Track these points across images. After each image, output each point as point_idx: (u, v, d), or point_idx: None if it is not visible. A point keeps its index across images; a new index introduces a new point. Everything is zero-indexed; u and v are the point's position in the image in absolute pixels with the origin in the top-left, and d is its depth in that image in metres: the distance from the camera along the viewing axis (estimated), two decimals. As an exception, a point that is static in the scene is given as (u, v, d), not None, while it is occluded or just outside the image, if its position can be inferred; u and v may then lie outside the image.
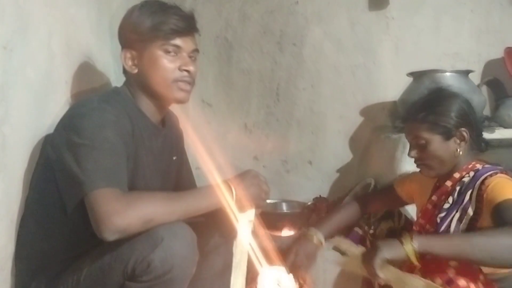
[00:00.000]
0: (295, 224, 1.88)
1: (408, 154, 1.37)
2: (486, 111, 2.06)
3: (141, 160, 1.17)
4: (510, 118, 1.97)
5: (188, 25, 1.17)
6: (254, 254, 1.26)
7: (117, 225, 0.94)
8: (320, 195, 2.16)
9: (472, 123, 1.33)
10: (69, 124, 1.07)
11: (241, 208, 1.16)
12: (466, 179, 1.29)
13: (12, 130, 1.08)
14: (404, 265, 1.17)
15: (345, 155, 2.27)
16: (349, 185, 2.12)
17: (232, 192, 1.13)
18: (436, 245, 1.12)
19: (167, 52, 1.15)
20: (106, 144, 1.03)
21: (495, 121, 2.00)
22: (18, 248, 1.12)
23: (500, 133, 1.89)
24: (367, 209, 1.61)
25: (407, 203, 1.58)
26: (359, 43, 2.27)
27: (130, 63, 1.18)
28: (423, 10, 2.22)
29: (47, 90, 1.23)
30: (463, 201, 1.26)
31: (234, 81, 2.37)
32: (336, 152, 2.28)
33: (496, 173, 1.25)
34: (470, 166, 1.31)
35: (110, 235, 0.95)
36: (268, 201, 1.33)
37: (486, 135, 1.80)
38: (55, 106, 1.25)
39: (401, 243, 1.12)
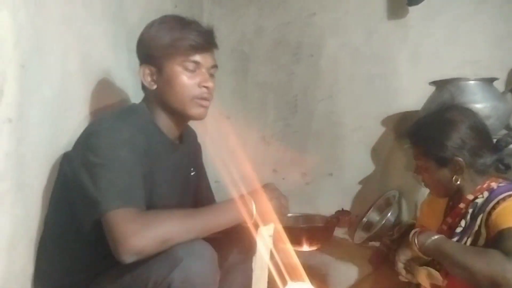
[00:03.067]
0: (317, 239, 1.83)
1: (414, 172, 1.33)
2: (512, 120, 2.00)
3: (158, 177, 1.15)
4: (537, 125, 1.90)
5: (207, 41, 1.16)
6: (275, 270, 1.23)
7: (134, 246, 0.92)
8: (342, 208, 2.11)
9: (472, 151, 1.22)
10: (85, 143, 1.07)
11: (261, 223, 1.13)
12: (479, 200, 1.21)
13: (30, 149, 1.08)
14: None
15: (366, 166, 2.22)
16: (372, 197, 2.07)
17: (252, 207, 1.10)
18: (449, 244, 1.14)
19: (186, 68, 1.14)
20: (121, 163, 1.02)
21: (522, 128, 1.93)
22: (37, 268, 1.11)
23: (528, 141, 1.82)
24: None
25: None
26: (377, 52, 2.23)
27: (149, 79, 1.17)
28: (442, 18, 2.17)
29: (64, 107, 1.23)
30: (474, 226, 1.19)
31: (251, 93, 2.36)
32: (357, 164, 2.23)
33: (510, 196, 1.16)
34: (485, 186, 1.22)
35: (127, 258, 0.93)
36: (288, 214, 1.30)
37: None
38: (72, 124, 1.25)
39: (410, 243, 1.19)
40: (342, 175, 2.26)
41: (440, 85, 1.91)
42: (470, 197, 1.23)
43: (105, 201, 0.97)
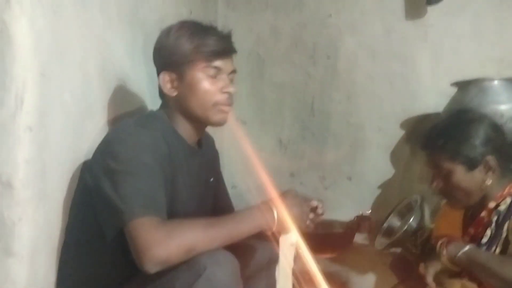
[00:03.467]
0: (336, 245, 1.80)
1: (430, 185, 1.25)
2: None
3: (179, 183, 1.14)
4: None
5: (227, 46, 1.16)
6: (298, 278, 1.20)
7: (158, 256, 0.91)
8: (362, 213, 2.07)
9: (500, 148, 1.18)
10: (106, 150, 1.06)
11: (283, 231, 1.11)
12: (502, 207, 1.17)
13: (52, 156, 1.08)
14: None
15: (386, 170, 2.17)
16: (393, 202, 2.02)
17: (273, 215, 1.08)
18: (483, 255, 1.09)
19: (208, 74, 1.13)
20: (144, 169, 1.01)
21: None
22: (59, 277, 1.11)
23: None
24: None
25: None
26: (395, 52, 2.19)
27: (169, 85, 1.16)
28: (463, 15, 2.11)
29: (85, 114, 1.23)
30: (501, 234, 1.15)
31: (267, 96, 2.34)
32: (376, 167, 2.18)
33: None
34: (505, 192, 1.18)
35: (151, 267, 0.92)
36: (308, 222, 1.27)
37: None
38: (93, 131, 1.24)
39: (438, 255, 1.14)
40: (361, 179, 2.22)
41: (463, 86, 1.86)
42: (492, 205, 1.19)
43: (128, 209, 0.96)
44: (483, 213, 1.20)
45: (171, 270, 0.94)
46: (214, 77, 1.14)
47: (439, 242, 1.17)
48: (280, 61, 2.33)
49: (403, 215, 1.92)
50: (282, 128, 2.32)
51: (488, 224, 1.18)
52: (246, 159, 1.76)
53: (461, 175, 1.19)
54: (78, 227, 1.10)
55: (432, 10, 2.10)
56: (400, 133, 2.16)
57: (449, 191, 1.22)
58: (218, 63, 1.14)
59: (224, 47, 1.15)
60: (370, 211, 2.06)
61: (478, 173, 1.18)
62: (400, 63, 2.18)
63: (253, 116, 2.33)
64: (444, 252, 1.14)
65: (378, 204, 2.17)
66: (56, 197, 1.10)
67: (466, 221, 1.27)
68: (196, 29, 1.15)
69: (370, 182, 2.19)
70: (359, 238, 1.99)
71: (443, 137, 1.21)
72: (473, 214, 1.25)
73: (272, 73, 2.34)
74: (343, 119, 2.25)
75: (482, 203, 1.21)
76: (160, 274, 0.95)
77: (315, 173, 2.27)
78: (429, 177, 1.76)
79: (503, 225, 1.14)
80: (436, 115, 2.05)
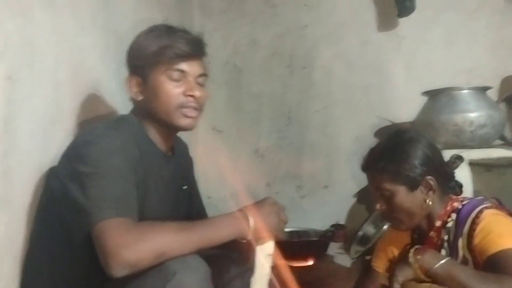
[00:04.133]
0: (311, 254, 1.79)
1: (374, 207, 1.23)
2: (506, 129, 1.99)
3: (150, 188, 1.11)
4: (532, 135, 1.90)
5: (194, 49, 1.13)
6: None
7: (127, 259, 0.88)
8: (338, 222, 2.08)
9: (438, 168, 1.19)
10: (74, 154, 1.03)
11: (259, 239, 1.09)
12: (450, 224, 1.17)
13: (17, 162, 1.05)
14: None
15: (362, 178, 2.15)
16: (368, 210, 2.04)
17: (249, 222, 1.05)
18: (462, 271, 1.06)
19: (171, 77, 1.11)
20: (114, 171, 0.98)
21: (517, 138, 1.93)
22: (23, 286, 1.06)
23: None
24: None
25: None
26: (370, 63, 2.23)
27: (135, 89, 1.14)
28: (435, 27, 2.18)
29: (54, 119, 1.20)
30: (457, 253, 1.14)
31: (244, 106, 2.35)
32: (352, 175, 2.19)
33: (481, 212, 1.13)
34: (448, 208, 1.19)
35: (119, 271, 0.88)
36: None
37: (508, 153, 1.72)
38: (61, 136, 1.21)
39: (409, 263, 1.11)
40: (337, 187, 2.24)
41: (433, 94, 1.91)
42: (438, 223, 1.19)
43: (97, 210, 0.92)
44: (432, 233, 1.20)
45: (139, 275, 0.91)
46: (178, 80, 1.11)
47: (412, 250, 1.14)
48: (257, 71, 2.35)
49: (378, 223, 1.94)
50: (259, 138, 2.33)
51: (442, 243, 1.18)
52: (222, 168, 1.75)
53: (403, 196, 1.17)
54: (43, 235, 1.06)
55: (404, 22, 2.16)
56: (376, 141, 2.18)
57: (392, 213, 1.21)
58: (182, 66, 1.11)
59: (190, 50, 1.11)
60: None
61: (419, 193, 1.18)
62: (375, 73, 2.23)
63: (230, 125, 2.34)
64: (416, 261, 1.10)
65: (354, 212, 2.18)
66: (20, 203, 1.07)
67: (414, 242, 1.27)
68: (163, 32, 1.13)
69: (346, 191, 2.20)
70: (335, 247, 1.99)
71: (383, 159, 1.19)
72: (420, 235, 1.26)
73: (249, 82, 2.35)
74: (320, 128, 2.28)
75: (427, 222, 1.21)
76: (128, 279, 0.91)
77: (292, 182, 2.28)
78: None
79: (456, 243, 1.14)
80: (409, 124, 2.09)
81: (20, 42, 1.07)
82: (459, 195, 1.25)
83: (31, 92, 1.11)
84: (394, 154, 1.19)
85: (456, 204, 1.19)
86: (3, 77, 1.01)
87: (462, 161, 1.34)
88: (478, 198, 1.23)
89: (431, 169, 1.18)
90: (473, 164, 1.73)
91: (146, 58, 1.11)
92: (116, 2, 1.59)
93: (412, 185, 1.17)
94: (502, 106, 2.02)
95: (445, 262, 1.08)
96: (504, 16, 2.14)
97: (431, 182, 1.17)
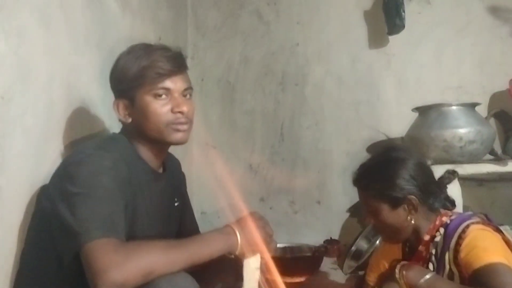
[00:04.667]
0: (304, 269, 1.79)
1: (364, 220, 1.29)
2: (496, 144, 2.02)
3: (140, 207, 1.12)
4: (521, 150, 1.93)
5: (175, 65, 1.13)
6: (263, 304, 1.18)
7: (114, 279, 0.88)
8: (331, 237, 2.08)
9: (422, 188, 1.21)
10: (63, 173, 1.04)
11: (247, 254, 1.10)
12: (438, 238, 1.19)
13: (9, 181, 1.05)
14: None
15: (354, 194, 2.17)
16: (361, 225, 2.05)
17: (237, 237, 1.07)
18: (442, 283, 1.10)
19: (157, 96, 1.12)
20: (102, 191, 0.98)
21: (507, 153, 1.95)
22: (12, 306, 1.06)
23: (512, 166, 1.83)
24: None
25: None
26: (361, 80, 2.27)
27: (123, 112, 1.15)
28: (424, 45, 2.23)
29: (46, 138, 1.21)
30: (444, 266, 1.16)
31: (237, 122, 2.37)
32: (345, 191, 2.22)
33: (468, 227, 1.15)
34: (437, 223, 1.21)
35: None
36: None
37: (498, 168, 1.74)
38: (53, 155, 1.22)
39: (396, 278, 1.14)
40: (330, 203, 2.25)
41: (423, 111, 1.93)
42: (427, 237, 1.21)
43: (85, 231, 0.93)
44: (421, 247, 1.22)
45: (127, 294, 0.91)
46: (164, 98, 1.12)
47: (398, 266, 1.17)
48: (250, 88, 2.37)
49: (370, 238, 1.94)
50: (252, 153, 2.34)
51: (429, 257, 1.20)
52: (216, 184, 1.76)
53: (386, 212, 1.20)
54: (33, 254, 1.06)
55: (394, 40, 2.21)
56: (367, 157, 2.21)
57: (379, 227, 1.24)
58: (166, 83, 1.12)
59: (171, 67, 1.12)
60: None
61: (402, 211, 1.21)
62: (365, 90, 2.26)
63: (223, 141, 2.35)
64: (403, 277, 1.13)
65: (346, 228, 2.19)
66: (11, 222, 1.07)
67: (405, 255, 1.29)
68: (142, 52, 1.14)
69: (338, 206, 2.22)
70: (328, 262, 1.99)
71: (368, 176, 1.24)
72: (410, 248, 1.28)
73: (242, 99, 2.38)
74: (312, 144, 2.30)
75: (416, 236, 1.24)
76: (116, 298, 0.92)
77: (285, 198, 2.29)
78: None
79: (443, 257, 1.16)
80: (400, 140, 2.12)
81: (14, 61, 1.08)
82: (451, 210, 1.27)
83: (24, 111, 1.12)
84: (379, 172, 1.23)
85: (444, 219, 1.21)
86: (-5, 96, 1.02)
87: (456, 176, 1.36)
88: (466, 213, 1.25)
89: (415, 189, 1.20)
90: (463, 179, 1.75)
91: (130, 81, 1.12)
92: (110, 20, 1.62)
93: (394, 204, 1.20)
94: (491, 122, 2.06)
95: (429, 277, 1.11)
96: (491, 34, 2.19)
97: (413, 202, 1.20)
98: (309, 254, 1.93)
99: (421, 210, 1.21)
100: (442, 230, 1.19)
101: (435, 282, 1.11)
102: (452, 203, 1.29)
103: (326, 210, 2.25)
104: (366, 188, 1.24)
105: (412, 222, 1.20)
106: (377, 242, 1.84)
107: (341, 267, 1.96)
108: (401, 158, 1.24)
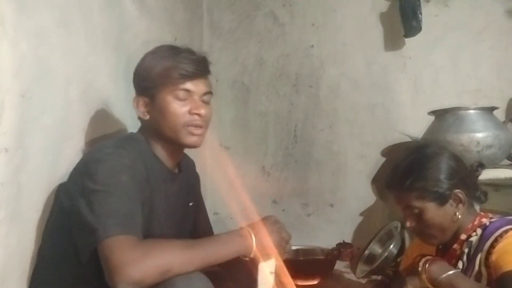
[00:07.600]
0: (317, 273, 1.78)
1: (405, 225, 1.23)
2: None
3: (156, 206, 1.13)
4: (540, 154, 1.89)
5: (198, 69, 1.15)
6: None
7: (132, 276, 0.89)
8: (344, 240, 2.07)
9: (465, 180, 1.19)
10: (83, 171, 1.05)
11: (262, 257, 1.10)
12: (473, 239, 1.16)
13: (29, 178, 1.07)
14: None
15: (368, 197, 2.20)
16: (374, 229, 2.03)
17: (251, 240, 1.07)
18: (466, 284, 1.08)
19: (177, 97, 1.14)
20: (121, 189, 1.00)
21: (525, 158, 1.92)
22: (29, 302, 1.08)
23: (531, 171, 1.80)
24: None
25: None
26: (376, 83, 2.25)
27: (142, 109, 1.17)
28: (441, 48, 2.20)
29: (64, 136, 1.23)
30: (474, 267, 1.14)
31: (251, 124, 2.37)
32: (358, 194, 2.20)
33: (506, 232, 1.11)
34: (476, 223, 1.18)
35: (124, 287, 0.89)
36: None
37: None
38: (70, 153, 1.24)
39: (418, 272, 1.12)
40: (343, 206, 2.24)
41: (440, 114, 1.91)
42: (463, 236, 1.19)
43: (103, 227, 0.94)
44: (455, 245, 1.20)
45: (144, 292, 0.92)
46: (184, 99, 1.14)
47: (423, 260, 1.15)
48: (264, 90, 2.38)
49: (384, 242, 1.93)
50: (265, 155, 2.34)
51: (461, 256, 1.17)
52: (229, 185, 1.76)
53: (433, 212, 1.17)
54: (51, 250, 1.08)
55: (410, 42, 2.19)
56: (381, 160, 2.20)
57: (423, 229, 1.20)
58: (187, 85, 1.14)
59: (194, 70, 1.14)
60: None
61: (449, 207, 1.17)
62: (381, 93, 2.24)
63: (237, 142, 2.36)
64: (426, 271, 1.12)
65: (359, 231, 2.17)
66: (30, 219, 1.09)
67: (438, 253, 1.27)
68: (168, 53, 1.16)
69: (352, 209, 2.20)
70: (341, 266, 1.98)
71: (409, 176, 1.18)
72: (445, 246, 1.25)
73: (256, 101, 2.38)
74: (326, 146, 2.29)
75: (455, 236, 1.21)
76: (132, 296, 0.92)
77: (298, 200, 2.28)
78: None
79: (475, 258, 1.14)
80: (415, 142, 2.10)
81: (34, 62, 1.10)
82: (485, 202, 1.24)
83: (43, 109, 1.14)
84: (420, 171, 1.18)
85: (484, 220, 1.18)
86: (16, 94, 1.04)
87: (484, 168, 1.32)
88: (508, 217, 1.19)
89: (458, 182, 1.17)
90: (480, 184, 1.73)
91: (153, 79, 1.14)
92: (127, 22, 1.64)
93: (441, 200, 1.16)
94: (509, 126, 2.02)
95: (451, 273, 1.09)
96: (509, 38, 2.15)
97: (460, 195, 1.17)
98: (322, 257, 1.91)
99: (466, 205, 1.19)
100: (479, 231, 1.16)
101: (456, 279, 1.09)
102: (485, 195, 1.25)
103: (339, 213, 2.23)
104: (409, 190, 1.18)
105: (459, 216, 1.16)
106: (391, 246, 1.83)
107: (354, 271, 1.94)
108: (437, 153, 1.21)
